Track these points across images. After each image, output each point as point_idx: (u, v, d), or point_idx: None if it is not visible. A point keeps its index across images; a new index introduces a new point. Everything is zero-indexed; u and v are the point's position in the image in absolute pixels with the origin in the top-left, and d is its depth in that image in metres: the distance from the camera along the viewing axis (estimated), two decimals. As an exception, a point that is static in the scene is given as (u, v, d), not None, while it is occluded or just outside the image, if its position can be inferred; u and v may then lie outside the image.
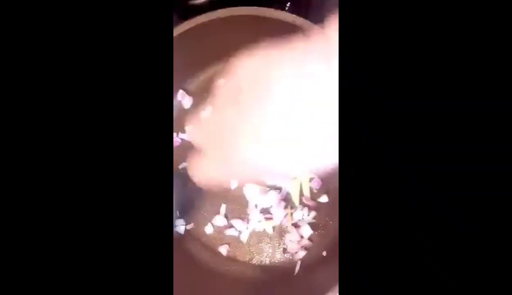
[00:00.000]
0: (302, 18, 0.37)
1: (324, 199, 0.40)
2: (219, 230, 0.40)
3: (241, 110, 0.26)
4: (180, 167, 0.41)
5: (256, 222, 0.40)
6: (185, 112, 0.44)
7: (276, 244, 0.39)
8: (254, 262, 0.39)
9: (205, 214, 0.41)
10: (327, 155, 0.26)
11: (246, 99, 0.26)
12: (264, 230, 0.40)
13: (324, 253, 0.39)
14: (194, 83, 0.45)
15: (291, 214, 0.39)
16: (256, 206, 0.40)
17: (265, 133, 0.26)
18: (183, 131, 0.43)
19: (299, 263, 0.38)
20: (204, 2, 0.44)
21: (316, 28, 0.32)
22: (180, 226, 0.41)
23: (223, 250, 0.40)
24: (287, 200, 0.40)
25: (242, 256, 0.40)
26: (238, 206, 0.40)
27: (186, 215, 0.41)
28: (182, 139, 0.43)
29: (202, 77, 0.45)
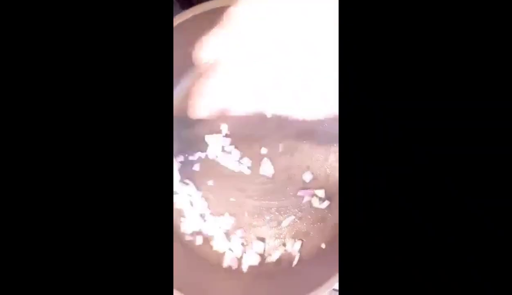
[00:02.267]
0: None
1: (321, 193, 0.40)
2: (217, 225, 0.40)
3: None
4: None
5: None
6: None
7: (275, 236, 0.40)
8: (252, 254, 0.39)
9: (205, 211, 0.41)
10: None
11: None
12: (263, 221, 0.40)
13: (323, 245, 0.39)
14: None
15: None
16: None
17: None
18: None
19: (298, 255, 0.39)
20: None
21: None
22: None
23: (221, 242, 0.40)
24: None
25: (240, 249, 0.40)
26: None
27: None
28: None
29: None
